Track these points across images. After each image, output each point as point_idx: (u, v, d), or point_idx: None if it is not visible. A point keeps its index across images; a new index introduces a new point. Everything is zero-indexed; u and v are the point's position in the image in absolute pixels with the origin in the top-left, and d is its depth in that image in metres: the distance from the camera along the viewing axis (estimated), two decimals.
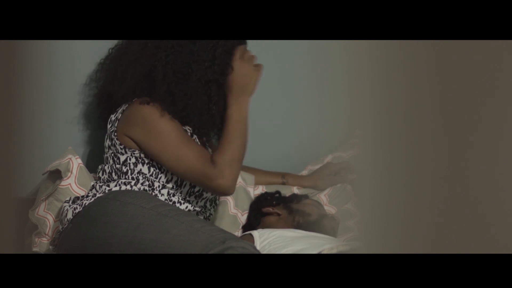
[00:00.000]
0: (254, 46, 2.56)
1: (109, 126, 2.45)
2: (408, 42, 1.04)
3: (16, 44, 1.13)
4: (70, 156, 2.45)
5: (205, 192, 2.44)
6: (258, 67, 2.43)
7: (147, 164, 2.39)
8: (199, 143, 2.45)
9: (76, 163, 2.44)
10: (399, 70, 1.06)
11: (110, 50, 2.56)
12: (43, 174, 2.51)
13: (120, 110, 2.43)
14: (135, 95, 2.42)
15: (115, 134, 2.40)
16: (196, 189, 2.42)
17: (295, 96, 3.02)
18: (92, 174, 2.54)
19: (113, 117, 2.44)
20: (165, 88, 2.38)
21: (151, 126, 2.35)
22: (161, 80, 2.38)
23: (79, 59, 2.67)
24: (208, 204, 2.48)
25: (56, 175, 2.47)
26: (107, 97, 2.53)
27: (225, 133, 2.38)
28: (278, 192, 2.71)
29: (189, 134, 2.43)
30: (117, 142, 2.40)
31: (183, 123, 2.43)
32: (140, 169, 2.39)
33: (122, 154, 2.40)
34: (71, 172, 2.43)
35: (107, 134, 2.45)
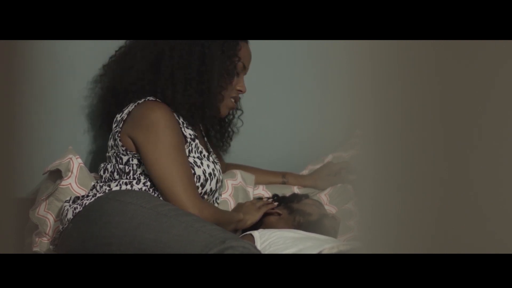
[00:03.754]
0: (254, 46, 2.56)
1: (114, 125, 2.44)
2: (408, 42, 1.04)
3: (16, 44, 1.13)
4: (70, 156, 2.45)
5: (206, 194, 2.45)
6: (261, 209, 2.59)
7: None
8: (201, 147, 2.46)
9: (76, 163, 2.44)
10: (399, 70, 1.06)
11: (125, 43, 2.58)
12: (43, 174, 2.51)
13: (126, 111, 2.43)
14: (151, 89, 2.43)
15: (119, 135, 2.40)
16: (198, 190, 2.42)
17: (295, 96, 3.02)
18: (92, 174, 2.54)
19: (118, 117, 2.44)
20: (184, 86, 2.41)
21: (154, 133, 2.35)
22: (186, 76, 2.41)
23: (79, 59, 2.67)
24: None
25: (57, 174, 2.47)
26: (114, 92, 2.54)
27: (227, 211, 2.52)
28: (275, 195, 2.72)
29: (190, 139, 2.43)
30: (120, 143, 2.40)
31: (189, 122, 2.45)
32: (143, 170, 2.39)
33: (124, 155, 2.40)
34: (72, 172, 2.43)
35: (111, 133, 2.45)
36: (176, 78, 2.41)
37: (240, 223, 2.49)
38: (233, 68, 2.49)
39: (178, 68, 2.42)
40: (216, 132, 2.74)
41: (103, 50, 2.62)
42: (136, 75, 2.46)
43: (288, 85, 3.01)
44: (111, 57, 2.61)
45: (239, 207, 2.58)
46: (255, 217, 2.53)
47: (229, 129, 2.76)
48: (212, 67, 2.43)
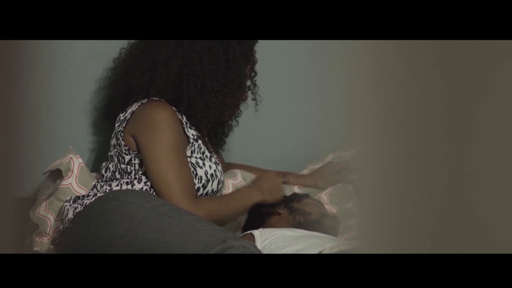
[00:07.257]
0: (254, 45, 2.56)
1: (117, 124, 2.45)
2: (408, 42, 1.04)
3: (16, 44, 1.13)
4: (71, 155, 2.45)
5: (207, 195, 2.45)
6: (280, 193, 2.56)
7: None
8: (204, 148, 2.47)
9: (77, 162, 2.44)
10: (399, 69, 1.06)
11: (130, 44, 2.58)
12: (44, 174, 2.51)
13: (129, 110, 2.43)
14: (157, 92, 2.43)
15: (122, 134, 2.41)
16: (199, 191, 2.42)
17: (295, 96, 3.02)
18: (93, 174, 2.54)
19: (121, 116, 2.45)
20: (196, 91, 2.41)
21: (156, 133, 2.35)
22: (194, 81, 2.41)
23: (80, 58, 2.67)
24: None
25: (57, 174, 2.47)
26: (121, 92, 2.54)
27: (226, 196, 2.47)
28: None
29: (192, 139, 2.43)
30: (122, 142, 2.40)
31: (194, 125, 2.45)
32: (145, 170, 2.38)
33: (126, 154, 2.40)
34: (72, 172, 2.43)
35: (114, 132, 2.46)
36: (206, 90, 2.43)
37: (255, 203, 2.47)
38: (247, 85, 2.56)
39: (209, 79, 2.43)
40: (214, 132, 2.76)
41: (105, 50, 2.62)
42: (145, 77, 2.46)
43: (288, 85, 3.01)
44: (115, 59, 2.61)
45: (257, 184, 2.53)
46: (277, 199, 2.52)
47: (225, 129, 2.77)
48: (236, 80, 2.47)
